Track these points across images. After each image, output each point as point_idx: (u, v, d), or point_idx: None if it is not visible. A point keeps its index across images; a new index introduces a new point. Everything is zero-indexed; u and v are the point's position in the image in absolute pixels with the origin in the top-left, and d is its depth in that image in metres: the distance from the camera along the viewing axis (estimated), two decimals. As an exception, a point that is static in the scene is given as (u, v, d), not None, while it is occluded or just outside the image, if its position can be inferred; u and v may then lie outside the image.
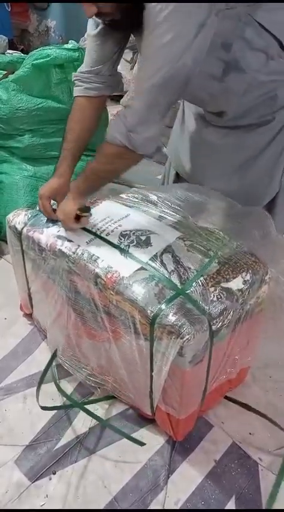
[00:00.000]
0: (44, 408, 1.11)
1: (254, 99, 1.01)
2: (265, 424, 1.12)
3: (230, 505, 0.98)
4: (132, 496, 0.98)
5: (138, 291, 0.91)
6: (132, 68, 2.89)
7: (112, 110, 2.55)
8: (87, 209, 1.05)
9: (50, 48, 1.67)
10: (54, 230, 1.10)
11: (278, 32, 0.92)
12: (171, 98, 0.88)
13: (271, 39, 0.93)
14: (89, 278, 0.97)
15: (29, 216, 1.17)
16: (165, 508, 0.97)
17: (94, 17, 0.88)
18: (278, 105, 1.03)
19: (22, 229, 1.14)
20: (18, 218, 1.18)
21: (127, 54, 3.09)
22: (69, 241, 1.05)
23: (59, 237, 1.07)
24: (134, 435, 1.09)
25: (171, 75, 0.82)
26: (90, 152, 1.80)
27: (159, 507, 0.97)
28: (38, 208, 1.20)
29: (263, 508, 0.98)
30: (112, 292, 0.93)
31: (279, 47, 0.94)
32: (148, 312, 0.88)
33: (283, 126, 1.07)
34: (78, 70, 1.10)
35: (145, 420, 1.12)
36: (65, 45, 1.71)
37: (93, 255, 0.99)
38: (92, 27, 1.00)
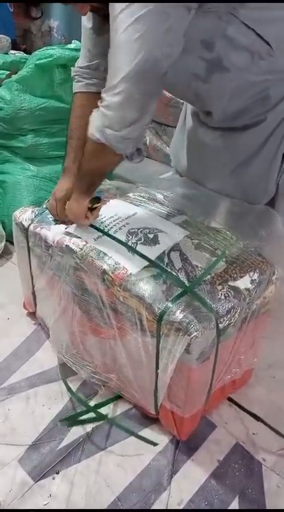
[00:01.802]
0: (70, 425, 1.11)
1: (245, 100, 1.00)
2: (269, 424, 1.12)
3: (234, 505, 0.98)
4: (135, 496, 0.98)
5: (146, 287, 0.91)
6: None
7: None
8: (97, 200, 1.05)
9: (53, 48, 1.68)
10: (62, 227, 1.10)
11: (263, 31, 0.89)
12: (146, 93, 0.84)
13: (256, 38, 0.90)
14: (96, 275, 0.97)
15: (36, 213, 1.17)
16: (168, 508, 0.97)
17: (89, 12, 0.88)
18: (271, 104, 1.02)
19: (29, 226, 1.14)
20: (25, 215, 1.18)
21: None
22: (77, 237, 1.05)
23: (66, 233, 1.07)
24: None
25: (141, 68, 0.79)
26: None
27: (162, 507, 0.97)
28: (45, 205, 1.19)
29: (267, 508, 0.97)
30: (119, 289, 0.93)
31: (267, 46, 0.91)
32: (156, 308, 0.88)
33: (275, 127, 1.05)
34: (76, 65, 1.08)
35: (149, 419, 1.11)
36: (68, 45, 1.71)
37: (101, 251, 0.99)
38: (87, 18, 0.98)
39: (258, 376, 1.23)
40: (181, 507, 0.97)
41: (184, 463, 1.05)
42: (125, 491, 0.99)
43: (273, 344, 1.19)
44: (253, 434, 1.11)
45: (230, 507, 0.97)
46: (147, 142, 2.47)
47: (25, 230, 1.15)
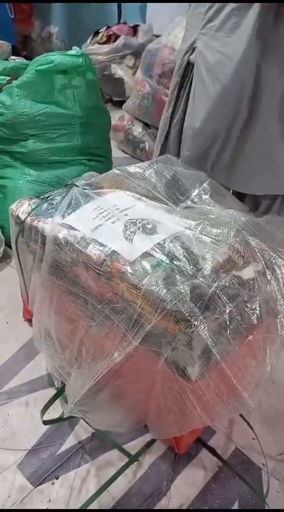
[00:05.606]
0: (45, 423, 1.09)
1: None
2: (268, 429, 1.12)
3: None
4: (135, 501, 0.98)
5: (145, 277, 0.87)
6: (134, 74, 2.91)
7: (115, 115, 2.58)
8: None
9: (53, 54, 1.69)
10: (58, 219, 1.05)
11: None
12: None
13: None
14: (94, 266, 0.94)
15: (33, 206, 1.14)
16: (168, 513, 0.97)
17: None
18: None
19: (25, 219, 1.12)
20: (21, 208, 1.15)
21: (130, 60, 3.12)
22: (74, 229, 1.01)
23: (63, 225, 1.03)
24: (137, 440, 1.09)
25: None
26: (92, 157, 1.84)
27: (162, 512, 0.97)
28: (42, 196, 1.17)
29: None
30: (118, 281, 0.90)
31: None
32: (155, 298, 0.84)
33: None
34: None
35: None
36: (68, 51, 1.72)
37: (98, 242, 0.96)
38: None
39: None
40: None
41: (183, 467, 1.05)
42: (125, 496, 0.99)
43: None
44: (253, 439, 1.11)
45: None
46: (147, 147, 2.48)
47: (21, 223, 1.12)
